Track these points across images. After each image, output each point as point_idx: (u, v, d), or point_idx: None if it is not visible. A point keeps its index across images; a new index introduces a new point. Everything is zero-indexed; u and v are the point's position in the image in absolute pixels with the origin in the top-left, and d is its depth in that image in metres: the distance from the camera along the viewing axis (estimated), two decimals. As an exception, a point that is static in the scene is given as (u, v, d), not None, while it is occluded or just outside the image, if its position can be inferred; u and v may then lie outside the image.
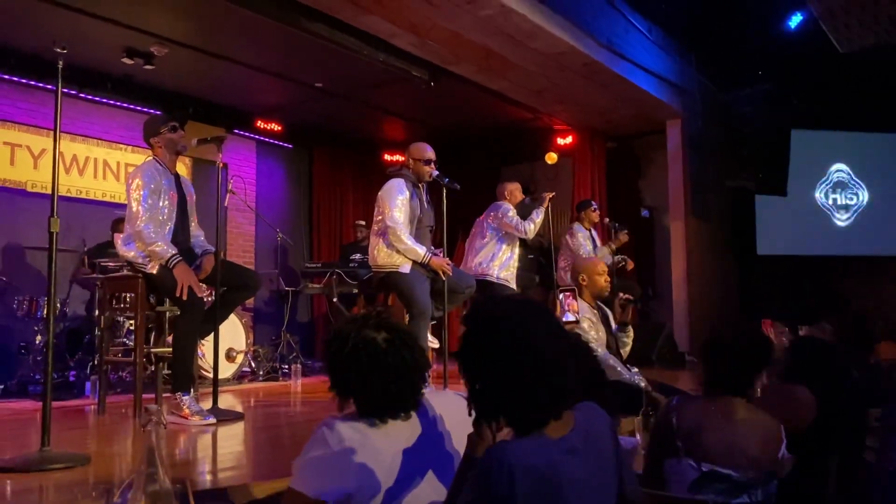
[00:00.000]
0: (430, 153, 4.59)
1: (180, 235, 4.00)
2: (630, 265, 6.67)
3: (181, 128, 4.00)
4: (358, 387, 1.60)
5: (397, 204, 4.38)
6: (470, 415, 1.41)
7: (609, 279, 4.06)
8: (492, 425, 1.39)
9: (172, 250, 3.77)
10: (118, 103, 7.03)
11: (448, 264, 4.41)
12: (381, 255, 4.44)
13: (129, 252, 3.84)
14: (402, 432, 1.61)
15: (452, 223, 5.75)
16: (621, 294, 4.09)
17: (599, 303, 4.13)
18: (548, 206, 5.70)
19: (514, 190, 5.92)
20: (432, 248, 4.74)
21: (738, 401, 2.08)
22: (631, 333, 4.15)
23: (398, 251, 4.38)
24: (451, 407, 1.70)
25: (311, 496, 1.49)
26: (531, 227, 5.56)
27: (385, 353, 1.60)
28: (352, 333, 1.62)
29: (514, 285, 5.58)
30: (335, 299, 7.06)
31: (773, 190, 8.23)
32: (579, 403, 1.45)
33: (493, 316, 1.41)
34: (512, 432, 1.40)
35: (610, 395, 1.98)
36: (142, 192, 3.79)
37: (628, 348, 4.15)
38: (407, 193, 4.43)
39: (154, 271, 3.80)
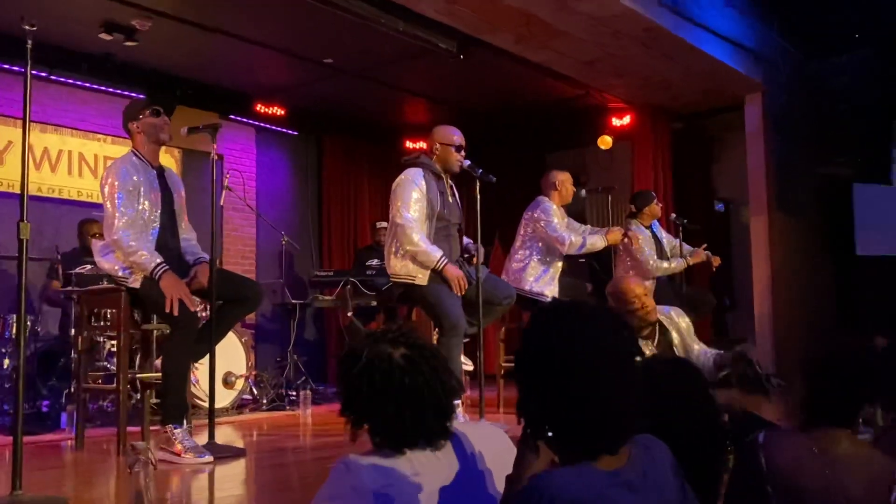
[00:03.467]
0: (459, 137, 4.60)
1: (169, 241, 4.05)
2: (716, 261, 6.53)
3: (166, 113, 4.05)
4: (370, 410, 1.62)
5: (410, 199, 4.38)
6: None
7: (645, 305, 3.96)
8: (536, 450, 1.43)
9: (157, 259, 3.81)
10: (95, 86, 7.14)
11: (459, 275, 4.35)
12: (396, 262, 4.45)
13: (107, 263, 3.90)
14: (436, 469, 1.62)
15: (488, 222, 5.76)
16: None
17: (659, 319, 4.08)
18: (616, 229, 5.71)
19: (565, 181, 5.82)
20: (470, 243, 4.73)
21: (842, 433, 2.03)
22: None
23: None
24: (492, 442, 1.74)
25: None
26: (571, 243, 5.48)
27: (402, 371, 1.62)
28: (366, 349, 1.65)
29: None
30: (350, 313, 7.08)
31: (875, 177, 8.08)
32: (637, 436, 1.46)
33: (557, 319, 1.43)
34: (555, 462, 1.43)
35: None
36: (117, 193, 3.84)
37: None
38: (424, 185, 4.43)
39: (137, 285, 3.85)
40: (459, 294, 4.36)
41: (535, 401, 1.41)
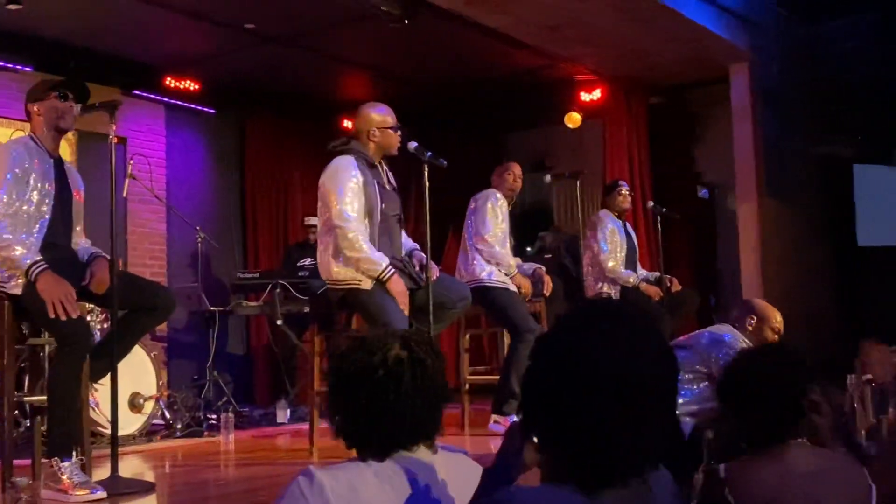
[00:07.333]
0: (393, 115, 4.63)
1: (61, 239, 3.99)
2: (676, 285, 6.74)
3: (78, 100, 4.00)
4: (354, 389, 1.78)
5: (347, 193, 4.38)
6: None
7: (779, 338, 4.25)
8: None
9: (34, 256, 3.74)
10: (-28, 58, 6.99)
11: (403, 292, 4.38)
12: (336, 267, 4.43)
13: None
14: (396, 486, 1.71)
15: (439, 212, 5.75)
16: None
17: None
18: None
19: (504, 172, 5.97)
20: (416, 250, 4.76)
21: (800, 445, 2.14)
22: None
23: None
24: (458, 471, 1.80)
25: None
26: (489, 238, 5.64)
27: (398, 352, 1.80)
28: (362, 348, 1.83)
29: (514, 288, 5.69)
30: (280, 322, 7.02)
31: (878, 157, 8.23)
32: None
33: (587, 328, 1.43)
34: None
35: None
36: (4, 176, 3.77)
37: None
38: (360, 176, 4.43)
39: (19, 291, 3.76)
40: (404, 308, 4.38)
41: (548, 417, 1.41)
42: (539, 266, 6.02)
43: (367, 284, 4.38)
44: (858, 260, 8.53)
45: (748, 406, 2.20)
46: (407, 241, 4.86)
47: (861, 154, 8.32)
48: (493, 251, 5.66)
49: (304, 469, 1.69)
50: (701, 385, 3.98)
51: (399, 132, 4.61)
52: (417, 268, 4.64)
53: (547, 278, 5.91)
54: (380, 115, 4.61)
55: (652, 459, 1.43)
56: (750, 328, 4.22)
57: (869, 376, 3.72)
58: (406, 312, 4.37)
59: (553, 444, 1.40)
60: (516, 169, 6.01)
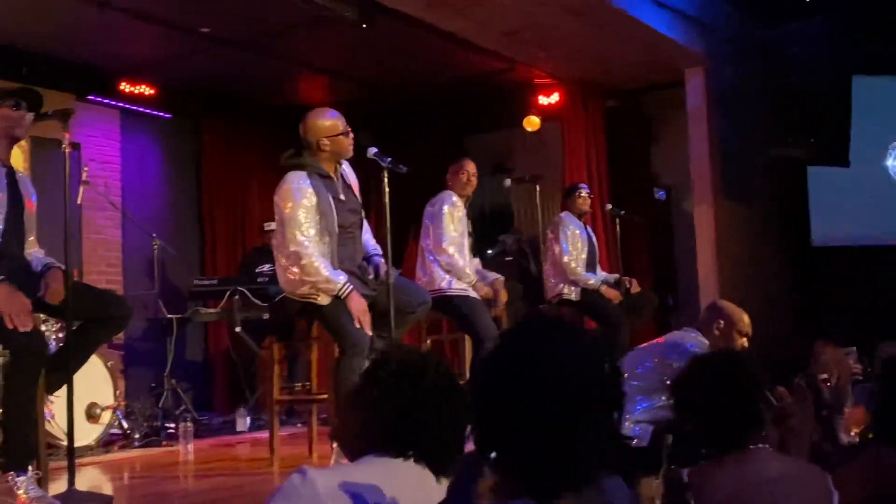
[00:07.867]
0: (342, 120, 4.57)
1: (14, 249, 3.94)
2: (635, 287, 6.85)
3: (31, 109, 3.96)
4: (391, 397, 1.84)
5: (300, 215, 4.33)
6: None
7: (747, 343, 4.22)
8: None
9: None
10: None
11: (362, 309, 4.31)
12: (292, 283, 4.40)
13: None
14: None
15: (400, 217, 5.74)
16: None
17: None
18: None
19: (458, 171, 5.96)
20: (375, 247, 4.73)
21: (763, 451, 2.17)
22: None
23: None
24: (409, 485, 1.78)
25: None
26: (450, 244, 5.63)
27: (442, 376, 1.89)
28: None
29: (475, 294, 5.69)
30: (238, 328, 6.97)
31: (832, 159, 8.34)
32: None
33: (523, 341, 1.45)
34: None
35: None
36: None
37: None
38: (312, 194, 4.38)
39: None
40: (362, 326, 4.32)
41: (505, 423, 1.41)
42: (498, 277, 5.99)
43: (324, 300, 4.34)
44: (813, 260, 8.66)
45: (702, 414, 2.21)
46: (368, 242, 4.80)
47: (815, 156, 8.43)
48: (451, 262, 5.64)
49: (299, 467, 1.73)
50: (663, 396, 3.97)
51: (349, 136, 4.56)
52: (372, 275, 4.60)
53: (502, 292, 5.87)
54: (329, 121, 4.55)
55: (606, 465, 1.44)
56: (717, 332, 4.17)
57: (824, 376, 3.75)
58: (368, 330, 4.31)
59: (510, 453, 1.40)
60: (470, 167, 5.97)
